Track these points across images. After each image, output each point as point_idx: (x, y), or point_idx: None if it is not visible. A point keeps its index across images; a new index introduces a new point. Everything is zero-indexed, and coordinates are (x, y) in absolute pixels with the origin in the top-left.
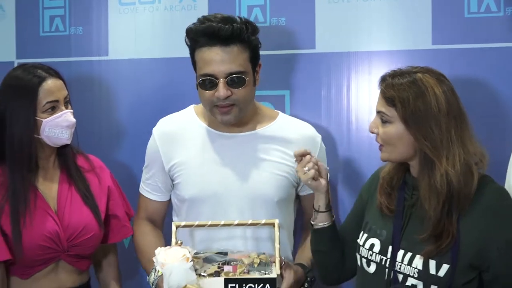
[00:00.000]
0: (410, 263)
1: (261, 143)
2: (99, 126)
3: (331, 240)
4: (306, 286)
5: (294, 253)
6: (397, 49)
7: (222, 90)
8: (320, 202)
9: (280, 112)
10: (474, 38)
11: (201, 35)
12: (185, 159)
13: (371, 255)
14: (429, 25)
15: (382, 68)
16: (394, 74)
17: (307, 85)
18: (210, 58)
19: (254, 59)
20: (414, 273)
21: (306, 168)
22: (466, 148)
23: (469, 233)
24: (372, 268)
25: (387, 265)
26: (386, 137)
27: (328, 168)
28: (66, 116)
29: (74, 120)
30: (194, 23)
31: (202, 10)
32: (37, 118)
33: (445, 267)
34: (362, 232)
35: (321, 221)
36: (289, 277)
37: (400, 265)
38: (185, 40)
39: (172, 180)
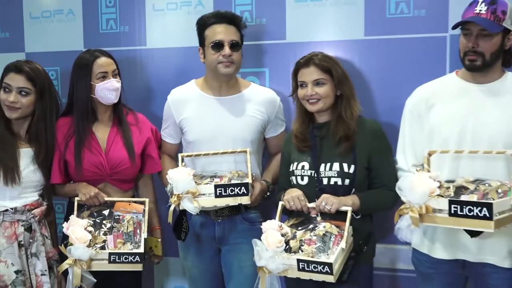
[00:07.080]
0: (331, 168)
1: (241, 102)
2: (141, 92)
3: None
4: (268, 194)
5: (262, 173)
6: (335, 40)
7: (227, 49)
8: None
9: (252, 82)
10: (393, 31)
11: (213, 17)
12: (190, 115)
13: (303, 172)
14: (362, 21)
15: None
16: (315, 54)
17: (280, 65)
18: (220, 30)
19: (241, 41)
20: (335, 174)
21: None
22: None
23: (361, 146)
24: (305, 181)
25: (315, 176)
26: (324, 94)
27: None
28: (112, 83)
29: (118, 85)
30: (203, 16)
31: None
32: (92, 83)
33: (352, 167)
34: (291, 164)
35: None
36: (257, 187)
37: (325, 172)
38: (197, 25)
39: (181, 129)
